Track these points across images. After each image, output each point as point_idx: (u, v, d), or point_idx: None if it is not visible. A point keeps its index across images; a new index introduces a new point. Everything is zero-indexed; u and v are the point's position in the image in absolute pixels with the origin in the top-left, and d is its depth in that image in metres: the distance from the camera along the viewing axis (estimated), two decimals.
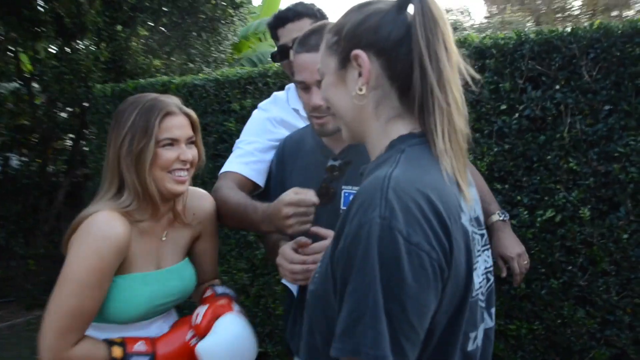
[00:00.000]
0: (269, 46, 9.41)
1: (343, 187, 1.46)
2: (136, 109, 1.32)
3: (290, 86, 1.89)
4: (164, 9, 5.02)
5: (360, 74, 0.89)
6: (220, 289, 1.51)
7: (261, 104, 1.89)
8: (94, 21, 4.82)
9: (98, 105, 4.52)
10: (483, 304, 0.95)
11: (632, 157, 2.22)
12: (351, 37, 0.90)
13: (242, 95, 3.59)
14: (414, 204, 0.76)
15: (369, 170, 0.91)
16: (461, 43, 2.66)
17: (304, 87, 1.43)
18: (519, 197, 2.50)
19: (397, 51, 0.87)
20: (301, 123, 1.78)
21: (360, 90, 0.89)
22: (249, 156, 1.68)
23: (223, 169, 1.73)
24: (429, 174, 0.83)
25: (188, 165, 1.38)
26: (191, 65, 5.49)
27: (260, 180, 1.70)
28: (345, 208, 0.91)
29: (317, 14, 1.81)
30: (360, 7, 0.93)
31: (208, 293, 1.49)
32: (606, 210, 2.31)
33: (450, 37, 0.87)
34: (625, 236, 2.25)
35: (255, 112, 1.87)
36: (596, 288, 2.33)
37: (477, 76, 0.90)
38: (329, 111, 1.37)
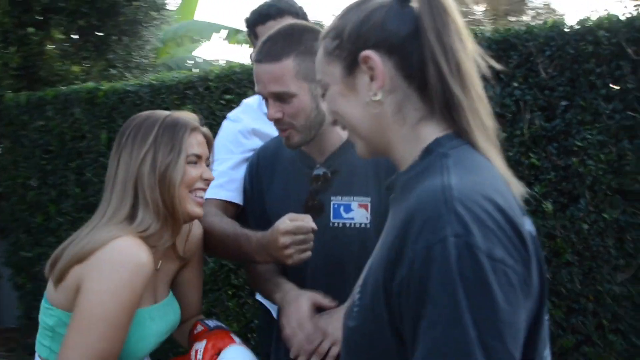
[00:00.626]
0: (186, 52, 9.10)
1: (332, 198, 1.35)
2: (156, 123, 1.22)
3: None
4: (82, 9, 4.62)
5: (372, 78, 0.79)
6: (212, 323, 1.38)
7: (230, 114, 1.76)
8: (1, 22, 4.35)
9: (11, 116, 4.09)
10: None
11: (589, 151, 2.30)
12: (356, 38, 0.80)
13: (181, 101, 3.37)
14: (485, 214, 0.66)
15: (404, 182, 0.80)
16: None
17: (263, 98, 1.33)
18: None
19: (408, 47, 0.78)
20: (274, 129, 1.66)
21: (376, 95, 0.79)
22: (223, 177, 1.55)
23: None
24: (485, 177, 0.74)
25: (206, 187, 1.29)
26: (112, 71, 5.11)
27: (240, 199, 1.57)
28: (389, 229, 0.78)
29: (298, 12, 1.70)
30: (358, 4, 0.82)
31: (199, 328, 1.34)
32: (567, 203, 2.38)
33: (463, 27, 0.79)
34: (586, 227, 2.32)
35: (224, 124, 1.74)
36: (561, 278, 2.38)
37: (498, 66, 0.82)
38: (289, 124, 1.29)
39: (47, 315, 1.17)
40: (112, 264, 1.09)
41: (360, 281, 0.82)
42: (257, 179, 1.47)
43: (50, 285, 1.19)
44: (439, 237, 0.64)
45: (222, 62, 8.61)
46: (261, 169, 1.47)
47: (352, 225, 1.33)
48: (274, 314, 1.55)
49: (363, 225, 1.33)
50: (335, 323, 1.19)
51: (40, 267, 3.95)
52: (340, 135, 1.37)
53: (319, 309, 1.26)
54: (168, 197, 1.19)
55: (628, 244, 2.25)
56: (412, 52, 0.77)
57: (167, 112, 1.27)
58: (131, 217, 1.18)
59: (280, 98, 1.28)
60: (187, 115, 1.29)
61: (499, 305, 0.62)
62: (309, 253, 1.23)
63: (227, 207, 1.54)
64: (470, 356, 0.60)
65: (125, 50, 5.33)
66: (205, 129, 1.31)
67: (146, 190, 1.18)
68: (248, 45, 9.10)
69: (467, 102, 0.76)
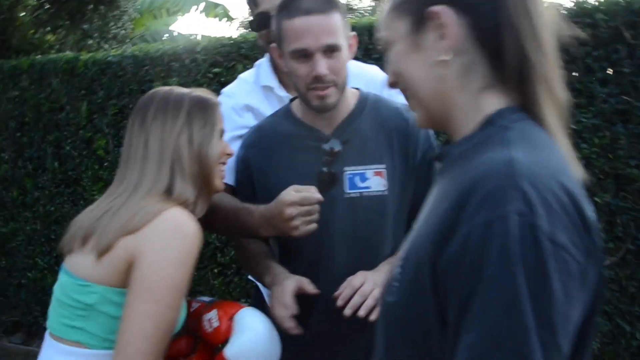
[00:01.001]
0: (163, 25, 8.85)
1: (345, 168, 1.33)
2: (184, 98, 1.23)
3: (261, 62, 1.70)
4: None
5: (441, 36, 0.73)
6: (206, 298, 1.36)
7: (224, 90, 1.70)
8: None
9: None
10: None
11: (584, 134, 2.31)
12: None
13: (166, 74, 3.26)
14: (552, 195, 0.61)
15: (458, 154, 0.74)
16: None
17: (304, 55, 1.27)
18: None
19: (485, 6, 0.73)
20: (273, 104, 1.61)
21: (443, 55, 0.73)
22: None
23: None
24: (550, 155, 0.68)
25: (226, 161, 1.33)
26: (89, 41, 4.92)
27: (232, 180, 1.51)
28: (437, 201, 0.73)
29: None
30: None
31: (195, 305, 1.32)
32: None
33: None
34: None
35: (218, 100, 1.68)
36: None
37: (582, 34, 0.79)
38: (332, 81, 1.26)
39: (82, 293, 1.11)
40: (173, 233, 1.09)
41: (401, 254, 0.77)
42: (261, 161, 1.41)
43: (81, 261, 1.13)
44: (501, 213, 0.59)
45: (199, 37, 8.44)
46: (261, 147, 1.42)
47: (370, 194, 1.31)
48: (265, 296, 1.53)
49: (380, 193, 1.32)
50: (376, 274, 1.24)
51: (16, 242, 3.82)
52: (348, 103, 1.35)
53: (304, 296, 1.25)
54: (205, 170, 1.21)
55: (618, 228, 2.28)
56: (487, 12, 0.72)
57: (187, 90, 1.28)
58: (169, 189, 1.18)
59: (329, 52, 1.26)
60: (205, 93, 1.30)
61: (555, 294, 0.58)
62: (314, 225, 1.21)
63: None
64: (528, 348, 0.56)
65: (102, 20, 5.14)
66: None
67: (184, 162, 1.19)
68: (226, 19, 8.93)
69: (543, 70, 0.71)
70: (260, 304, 1.58)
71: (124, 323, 1.06)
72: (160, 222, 1.10)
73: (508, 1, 0.71)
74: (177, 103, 1.22)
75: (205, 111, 1.24)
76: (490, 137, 0.71)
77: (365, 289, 1.20)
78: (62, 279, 1.16)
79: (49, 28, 4.82)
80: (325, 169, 1.32)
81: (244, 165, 1.44)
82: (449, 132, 0.80)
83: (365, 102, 1.39)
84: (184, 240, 1.09)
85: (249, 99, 1.62)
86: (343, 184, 1.32)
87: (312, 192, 1.19)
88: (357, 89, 1.43)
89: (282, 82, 1.63)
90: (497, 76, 0.74)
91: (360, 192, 1.32)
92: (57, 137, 3.63)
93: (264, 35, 1.62)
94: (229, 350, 1.14)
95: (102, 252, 1.09)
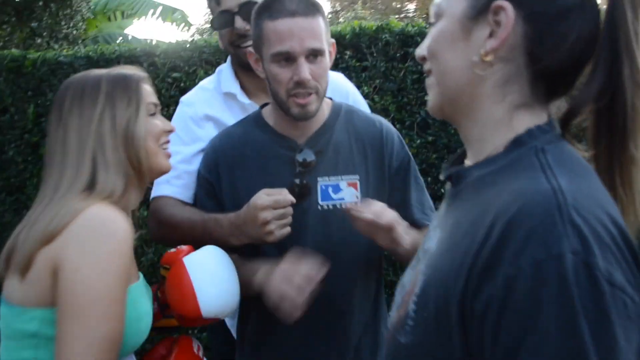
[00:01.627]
0: (117, 28, 8.57)
1: (318, 179, 1.27)
2: (101, 80, 1.11)
3: (222, 68, 1.61)
4: None
5: (491, 34, 0.65)
6: None
7: (183, 98, 1.60)
8: None
9: None
10: None
11: None
12: None
13: None
14: (602, 228, 0.55)
15: (480, 176, 0.67)
16: (382, 29, 2.57)
17: (286, 59, 1.19)
18: (442, 190, 2.49)
19: (558, 23, 0.64)
20: (235, 111, 1.52)
21: (487, 55, 0.65)
22: (173, 172, 1.36)
23: (153, 194, 1.47)
24: (593, 182, 0.62)
25: (168, 137, 1.20)
26: (37, 40, 4.66)
27: (189, 196, 1.43)
28: (455, 229, 0.66)
29: None
30: None
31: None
32: None
33: None
34: None
35: (178, 109, 1.58)
36: None
37: None
38: (314, 87, 1.19)
39: (22, 322, 0.98)
40: (93, 234, 0.96)
41: (414, 288, 0.69)
42: (224, 169, 1.33)
43: (11, 286, 1.00)
44: (554, 252, 0.52)
45: (153, 42, 8.20)
46: (228, 158, 1.33)
47: (343, 205, 1.26)
48: (233, 333, 1.44)
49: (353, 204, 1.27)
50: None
51: None
52: (322, 112, 1.30)
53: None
54: (134, 153, 1.09)
55: None
56: (559, 30, 0.64)
57: (105, 69, 1.16)
58: (91, 184, 1.06)
59: (313, 56, 1.20)
60: (130, 68, 1.20)
61: (619, 343, 0.52)
62: (288, 229, 1.17)
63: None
64: None
65: (53, 18, 4.88)
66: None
67: (107, 151, 1.07)
68: (183, 24, 8.73)
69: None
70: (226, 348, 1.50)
71: (55, 348, 0.93)
72: (79, 223, 0.97)
73: (627, 27, 0.62)
74: (93, 87, 1.10)
75: (127, 89, 1.11)
76: (520, 159, 0.63)
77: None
78: (2, 309, 1.02)
79: None
80: (297, 181, 1.26)
81: (213, 172, 1.34)
82: (463, 134, 0.73)
83: (339, 112, 1.34)
84: (107, 240, 0.96)
85: (208, 109, 1.53)
86: (316, 195, 1.27)
87: (284, 195, 1.15)
88: (329, 98, 1.38)
89: (244, 88, 1.56)
90: (535, 96, 0.67)
91: (333, 204, 1.27)
92: (0, 141, 3.38)
93: (226, 35, 1.53)
94: (186, 258, 1.13)
95: (23, 271, 0.97)
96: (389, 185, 1.32)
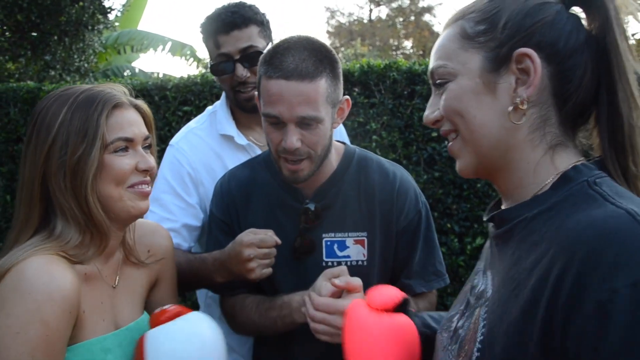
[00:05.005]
0: (125, 61, 8.75)
1: (323, 235, 1.22)
2: (65, 104, 0.94)
3: (216, 109, 1.55)
4: (21, 3, 4.30)
5: (520, 82, 0.66)
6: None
7: (173, 141, 1.51)
8: None
9: None
10: None
11: None
12: (516, 31, 0.66)
13: None
14: None
15: (532, 214, 0.66)
16: (390, 67, 2.64)
17: (275, 123, 1.13)
18: (449, 225, 2.51)
19: (576, 58, 0.66)
20: (233, 153, 1.48)
21: (523, 103, 0.65)
22: (171, 222, 1.37)
23: None
24: None
25: (148, 177, 1.01)
26: (51, 72, 4.77)
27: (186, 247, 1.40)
28: (512, 267, 0.65)
29: (264, 23, 1.48)
30: None
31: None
32: None
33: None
34: None
35: (167, 152, 1.49)
36: None
37: None
38: (306, 154, 1.11)
39: None
40: (13, 294, 0.85)
41: (476, 336, 0.67)
42: (234, 210, 1.29)
43: None
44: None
45: (160, 75, 8.35)
46: (236, 199, 1.28)
47: (348, 263, 1.20)
48: None
49: (360, 263, 1.21)
50: None
51: None
52: (331, 164, 1.23)
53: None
54: (81, 199, 0.94)
55: None
56: (575, 66, 0.66)
57: (84, 87, 0.99)
58: (44, 228, 0.95)
59: (304, 124, 1.10)
60: (112, 88, 1.01)
61: None
62: (270, 269, 1.14)
63: None
64: None
65: (66, 52, 5.01)
66: (139, 102, 1.03)
67: (56, 193, 0.94)
68: (192, 59, 8.91)
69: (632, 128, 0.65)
70: None
71: None
72: (9, 279, 0.87)
73: (618, 61, 0.64)
74: (55, 112, 0.94)
75: (87, 117, 0.93)
76: (573, 194, 0.63)
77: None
78: None
79: (8, 56, 4.65)
80: (301, 237, 1.21)
81: (226, 213, 1.29)
82: (500, 186, 0.73)
83: (350, 161, 1.25)
84: (26, 301, 0.85)
85: (201, 155, 1.47)
86: (321, 251, 1.21)
87: (269, 235, 1.13)
88: (342, 142, 1.30)
89: (242, 126, 1.51)
90: (566, 135, 0.68)
91: (338, 261, 1.21)
92: (12, 169, 3.43)
93: (226, 80, 1.46)
94: (150, 334, 0.97)
95: None
96: (395, 243, 1.23)
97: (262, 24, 1.48)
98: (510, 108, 0.66)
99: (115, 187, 0.96)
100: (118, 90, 1.00)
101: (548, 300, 0.56)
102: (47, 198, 0.95)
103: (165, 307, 1.01)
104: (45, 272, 0.87)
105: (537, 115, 0.67)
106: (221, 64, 1.45)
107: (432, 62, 0.73)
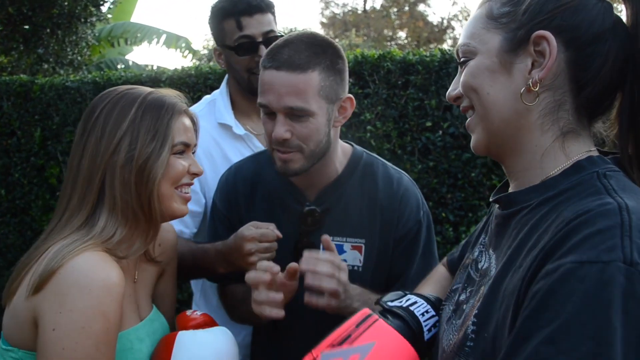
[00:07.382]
0: (118, 54, 8.69)
1: (322, 237, 1.19)
2: (134, 103, 0.98)
3: (216, 98, 1.58)
4: None
5: (535, 64, 0.67)
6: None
7: None
8: None
9: None
10: None
11: None
12: (538, 13, 0.67)
13: None
14: None
15: (540, 198, 0.67)
16: (384, 58, 2.64)
17: (268, 113, 1.14)
18: (443, 214, 2.52)
19: (597, 46, 0.66)
20: (231, 143, 1.51)
21: (535, 85, 0.66)
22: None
23: None
24: None
25: (193, 181, 1.09)
26: (44, 65, 4.74)
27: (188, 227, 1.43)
28: (514, 248, 0.66)
29: (274, 14, 1.54)
30: None
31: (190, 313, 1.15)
32: None
33: None
34: None
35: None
36: None
37: None
38: (297, 147, 1.12)
39: (5, 358, 0.94)
40: (74, 290, 0.88)
41: (471, 310, 0.69)
42: (235, 205, 1.30)
43: (4, 319, 0.95)
44: (603, 259, 0.53)
45: (154, 67, 8.31)
46: (239, 194, 1.30)
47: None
48: None
49: (355, 268, 1.21)
50: None
51: None
52: (335, 168, 1.24)
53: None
54: (145, 195, 0.98)
55: None
56: (596, 54, 0.66)
57: (149, 89, 1.04)
58: (90, 222, 0.97)
59: (294, 115, 1.11)
60: (173, 94, 1.07)
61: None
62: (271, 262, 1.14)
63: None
64: None
65: (59, 45, 4.97)
66: (192, 112, 1.09)
67: (117, 186, 0.97)
68: (188, 51, 8.86)
69: None
70: None
71: None
72: (62, 275, 0.88)
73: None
74: (125, 107, 0.97)
75: (158, 118, 0.99)
76: (582, 183, 0.65)
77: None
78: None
79: (0, 50, 4.62)
80: (302, 238, 1.22)
81: (227, 207, 1.31)
82: (508, 168, 0.74)
83: (357, 165, 1.26)
84: (88, 297, 0.87)
85: (200, 141, 1.43)
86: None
87: (271, 229, 1.14)
88: (351, 144, 1.31)
89: (242, 114, 1.54)
90: (580, 123, 0.69)
91: None
92: (6, 163, 3.42)
93: (244, 61, 1.50)
94: (179, 336, 1.02)
95: (8, 300, 0.93)
96: (392, 250, 1.24)
97: (274, 15, 1.56)
98: (523, 89, 0.67)
99: (170, 186, 1.02)
100: (176, 97, 1.07)
101: (527, 271, 0.59)
102: (100, 191, 0.98)
103: (192, 314, 1.08)
104: (101, 267, 0.91)
105: (550, 99, 0.68)
106: (245, 44, 1.50)
107: (459, 41, 0.75)
